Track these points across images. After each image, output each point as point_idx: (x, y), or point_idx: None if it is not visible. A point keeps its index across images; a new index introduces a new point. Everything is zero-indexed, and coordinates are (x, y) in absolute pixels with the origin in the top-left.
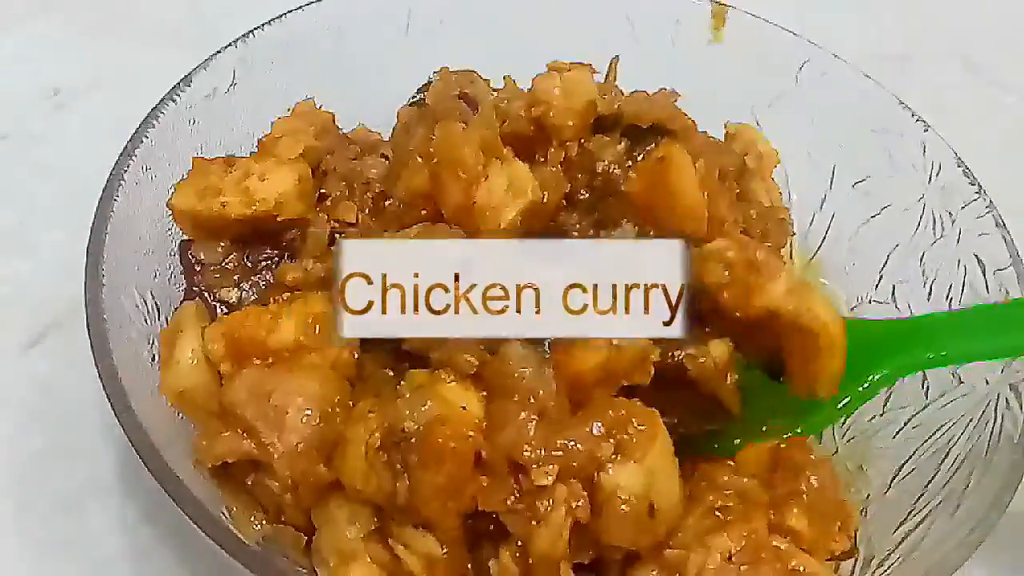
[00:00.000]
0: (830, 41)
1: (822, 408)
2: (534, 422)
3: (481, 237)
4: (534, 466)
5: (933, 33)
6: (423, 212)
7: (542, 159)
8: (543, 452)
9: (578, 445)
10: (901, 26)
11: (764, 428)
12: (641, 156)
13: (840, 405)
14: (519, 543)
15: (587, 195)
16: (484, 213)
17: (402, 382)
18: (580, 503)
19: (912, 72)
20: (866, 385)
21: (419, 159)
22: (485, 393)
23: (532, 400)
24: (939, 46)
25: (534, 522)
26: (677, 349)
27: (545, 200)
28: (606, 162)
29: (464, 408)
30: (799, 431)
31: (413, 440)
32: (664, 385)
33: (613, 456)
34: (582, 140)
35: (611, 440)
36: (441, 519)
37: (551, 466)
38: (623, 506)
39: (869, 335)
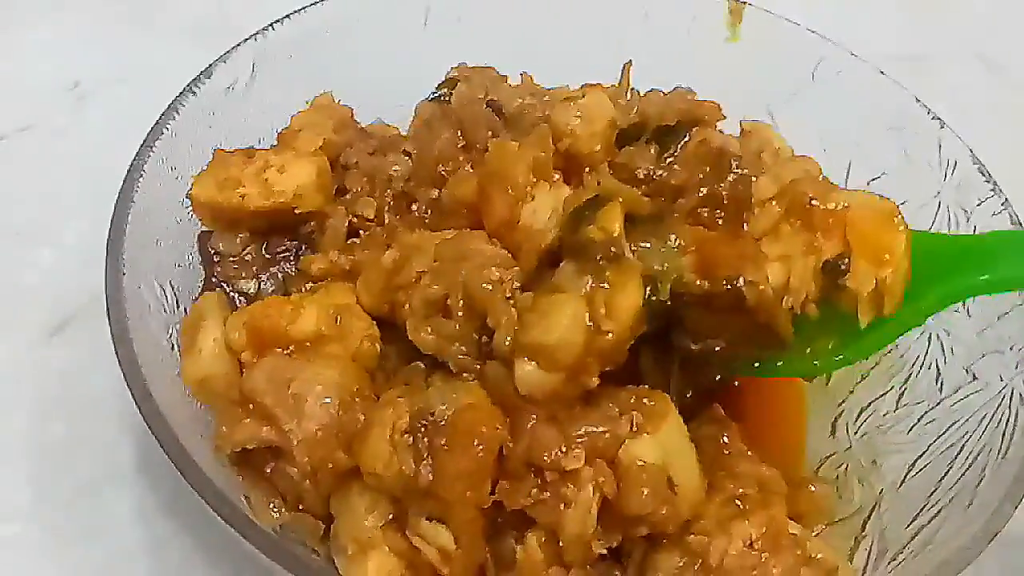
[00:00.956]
0: (848, 41)
1: (871, 331)
2: (546, 426)
3: (518, 255)
4: (559, 451)
5: (951, 33)
6: (463, 220)
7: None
8: (562, 450)
9: (597, 428)
10: (919, 26)
11: (810, 350)
12: (675, 151)
13: (890, 328)
14: (543, 537)
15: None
16: (526, 232)
17: (433, 374)
18: (604, 479)
19: (930, 72)
20: (924, 305)
21: (469, 168)
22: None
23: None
24: (957, 46)
25: (562, 506)
26: (736, 276)
27: None
28: (645, 169)
29: (493, 404)
30: (847, 356)
31: (443, 423)
32: (716, 310)
33: (631, 432)
34: (610, 159)
35: (624, 418)
36: (459, 506)
37: (578, 450)
38: (643, 474)
39: (930, 249)
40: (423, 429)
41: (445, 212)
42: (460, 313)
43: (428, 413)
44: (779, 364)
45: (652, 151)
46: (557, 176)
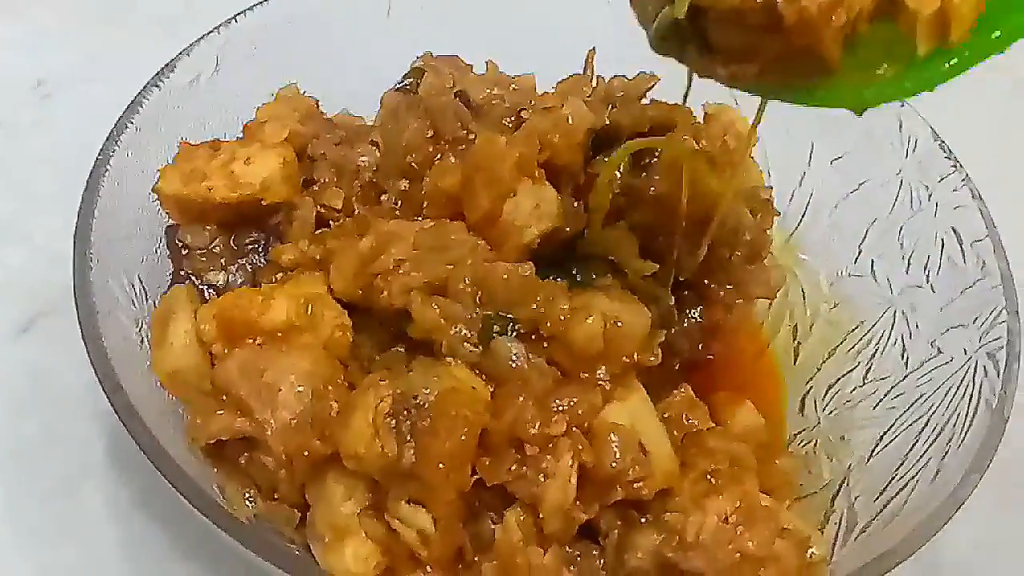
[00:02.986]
0: None
1: (938, 60)
2: (531, 403)
3: (498, 249)
4: (537, 425)
5: None
6: (442, 210)
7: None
8: (541, 425)
9: (574, 400)
10: None
11: (862, 77)
12: (650, 161)
13: (960, 57)
14: (522, 515)
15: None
16: (507, 227)
17: (413, 359)
18: (582, 447)
19: None
20: (996, 35)
21: (452, 159)
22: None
23: (527, 385)
24: None
25: (541, 477)
26: None
27: (568, 231)
28: (620, 180)
29: (474, 388)
30: (907, 86)
31: (426, 406)
32: (748, 29)
33: (603, 402)
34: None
35: (597, 389)
36: (441, 488)
37: (558, 417)
38: (614, 434)
39: None
40: (406, 412)
41: (429, 202)
42: (471, 296)
43: (411, 396)
44: (823, 92)
45: (626, 162)
46: (539, 172)
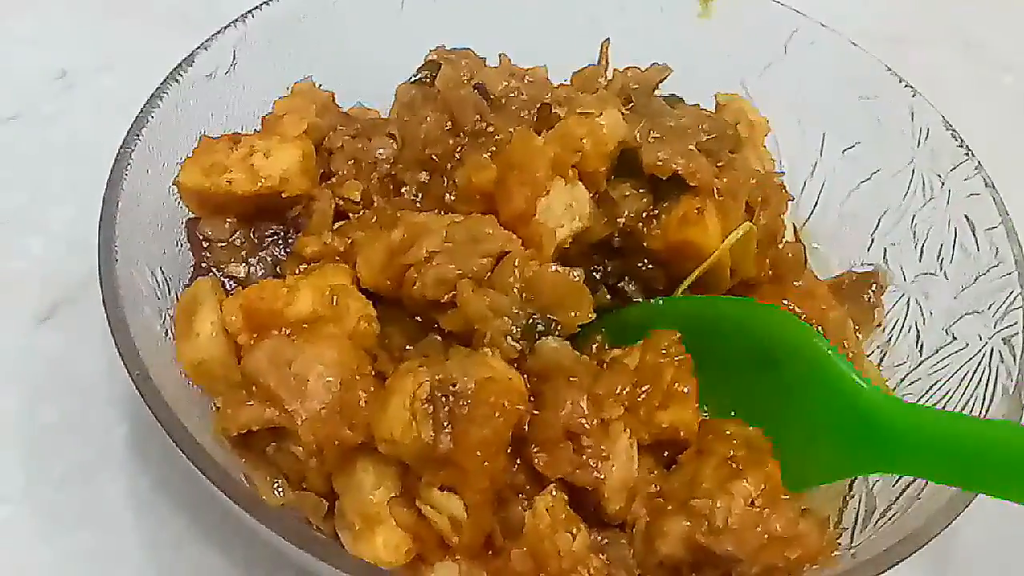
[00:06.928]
0: (827, 22)
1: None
2: (584, 399)
3: (529, 247)
4: (590, 418)
5: (930, 13)
6: (476, 205)
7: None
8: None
9: (625, 389)
10: (898, 6)
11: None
12: (658, 212)
13: None
14: (551, 501)
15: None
16: (540, 226)
17: (450, 348)
18: (636, 425)
19: (910, 52)
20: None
21: (477, 153)
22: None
23: (576, 381)
24: (936, 26)
25: (602, 463)
26: None
27: (599, 229)
28: (628, 215)
29: (510, 379)
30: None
31: (465, 394)
32: None
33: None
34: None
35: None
36: (476, 475)
37: (612, 400)
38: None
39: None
40: (443, 399)
41: (459, 196)
42: (518, 292)
43: (449, 383)
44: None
45: (644, 201)
46: (572, 171)
